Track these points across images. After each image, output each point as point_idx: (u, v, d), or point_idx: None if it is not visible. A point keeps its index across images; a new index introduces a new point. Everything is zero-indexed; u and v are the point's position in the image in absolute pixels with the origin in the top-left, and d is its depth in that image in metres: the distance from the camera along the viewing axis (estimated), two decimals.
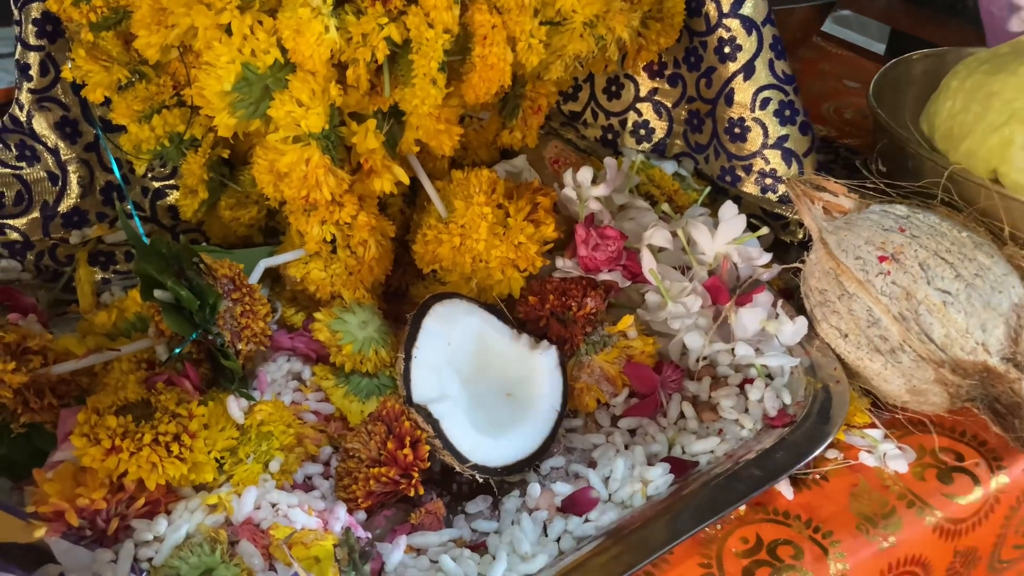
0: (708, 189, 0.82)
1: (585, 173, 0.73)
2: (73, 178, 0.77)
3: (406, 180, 0.66)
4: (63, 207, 0.77)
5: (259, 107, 0.61)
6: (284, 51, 0.60)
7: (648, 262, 0.69)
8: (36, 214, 0.76)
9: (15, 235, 0.76)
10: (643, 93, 0.86)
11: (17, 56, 0.73)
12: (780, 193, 0.78)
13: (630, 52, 0.77)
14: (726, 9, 0.76)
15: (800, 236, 0.79)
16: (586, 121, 0.89)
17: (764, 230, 0.72)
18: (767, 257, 0.72)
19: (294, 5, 0.58)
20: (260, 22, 0.59)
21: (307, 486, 0.60)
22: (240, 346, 0.60)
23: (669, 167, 0.83)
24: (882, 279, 0.63)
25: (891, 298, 0.62)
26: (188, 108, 0.70)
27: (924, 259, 0.62)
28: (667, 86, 0.85)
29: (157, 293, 0.58)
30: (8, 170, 0.75)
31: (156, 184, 0.80)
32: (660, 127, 0.87)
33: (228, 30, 0.59)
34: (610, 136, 0.89)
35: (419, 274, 0.73)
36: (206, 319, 0.58)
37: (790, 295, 0.73)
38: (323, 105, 0.60)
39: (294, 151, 0.61)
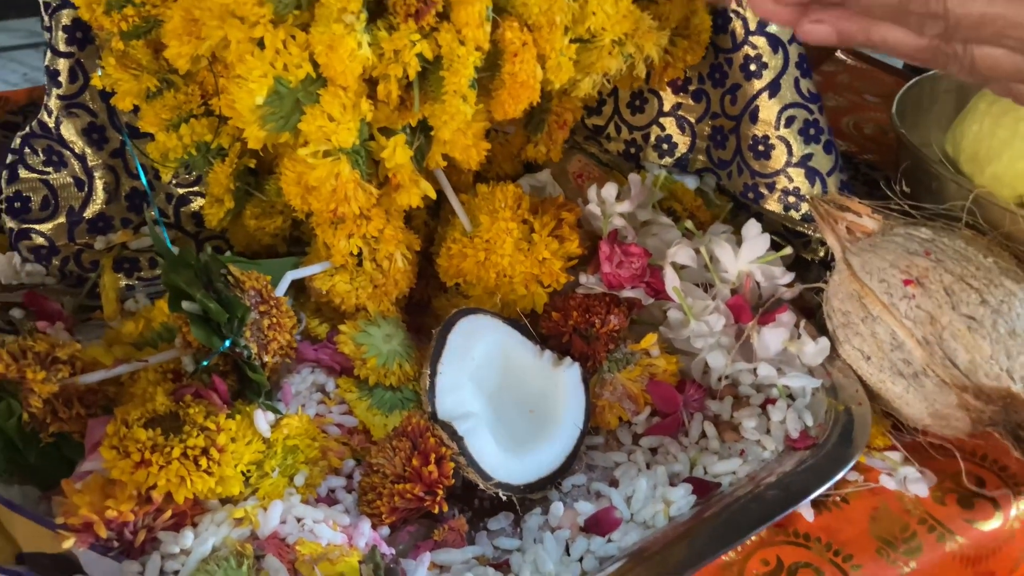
0: (731, 205, 0.83)
1: (610, 189, 0.73)
2: (99, 184, 0.77)
3: (433, 195, 0.66)
4: (89, 213, 0.77)
5: (289, 120, 0.62)
6: (316, 66, 0.60)
7: (672, 280, 0.69)
8: (62, 219, 0.77)
9: (40, 240, 0.76)
10: (667, 108, 0.86)
11: (47, 62, 0.74)
12: (803, 212, 0.78)
13: (657, 69, 0.77)
14: (753, 27, 0.76)
15: (821, 254, 0.79)
16: (609, 135, 0.89)
17: (787, 250, 0.72)
18: (790, 276, 0.72)
19: (328, 20, 0.58)
20: (293, 36, 0.59)
21: (330, 499, 0.60)
22: (267, 358, 0.60)
23: (691, 182, 0.83)
24: (907, 303, 0.63)
25: (915, 322, 0.62)
26: (216, 118, 0.70)
27: (949, 284, 0.62)
28: (691, 101, 0.85)
29: (185, 305, 0.58)
30: (35, 175, 0.76)
31: (180, 190, 0.81)
32: (683, 142, 0.87)
33: (261, 44, 0.59)
34: (633, 150, 0.89)
35: (442, 286, 0.73)
36: (234, 331, 0.58)
37: (811, 314, 0.73)
38: (354, 120, 0.60)
39: (324, 165, 0.61)
